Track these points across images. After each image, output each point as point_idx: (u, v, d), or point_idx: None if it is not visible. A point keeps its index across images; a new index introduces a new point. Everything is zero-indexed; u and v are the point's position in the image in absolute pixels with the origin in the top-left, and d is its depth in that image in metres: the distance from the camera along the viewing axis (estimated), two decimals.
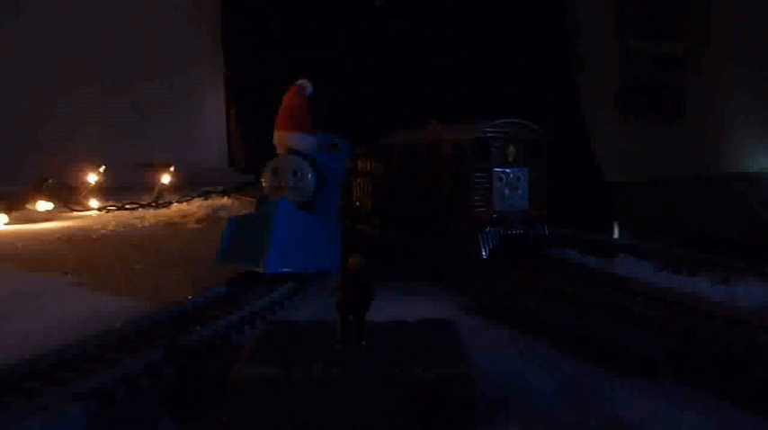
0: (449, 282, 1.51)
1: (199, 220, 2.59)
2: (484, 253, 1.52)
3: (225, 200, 3.12)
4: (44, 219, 2.71)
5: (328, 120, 1.65)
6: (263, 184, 1.53)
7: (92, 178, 3.16)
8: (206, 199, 3.14)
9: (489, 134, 1.56)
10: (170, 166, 3.36)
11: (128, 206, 2.95)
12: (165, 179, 3.30)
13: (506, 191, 1.57)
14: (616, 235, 2.02)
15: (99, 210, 2.92)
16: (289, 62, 3.15)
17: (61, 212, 2.87)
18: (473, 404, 0.78)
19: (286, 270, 1.36)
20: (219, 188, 3.28)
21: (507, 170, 1.57)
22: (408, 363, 0.80)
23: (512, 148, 1.58)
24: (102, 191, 3.12)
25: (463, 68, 3.10)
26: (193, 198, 3.12)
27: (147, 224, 2.53)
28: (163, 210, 2.91)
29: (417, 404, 0.77)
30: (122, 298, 1.43)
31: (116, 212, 2.89)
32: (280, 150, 1.56)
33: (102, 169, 3.20)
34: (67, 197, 3.00)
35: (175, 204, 3.03)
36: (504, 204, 1.56)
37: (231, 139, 3.89)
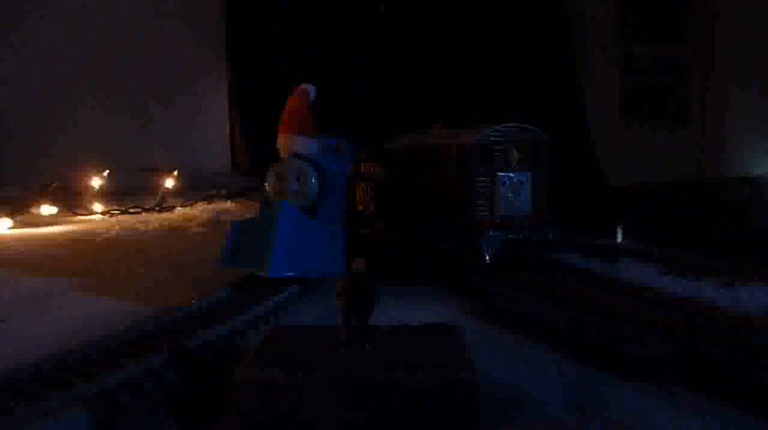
0: (452, 286, 1.51)
1: (202, 224, 2.60)
2: (487, 257, 1.52)
3: (228, 204, 3.12)
4: (48, 223, 2.72)
5: (331, 123, 1.65)
6: (267, 188, 1.54)
7: (95, 182, 3.16)
8: (209, 203, 3.14)
9: (493, 138, 1.56)
10: (173, 170, 3.36)
11: (131, 210, 2.95)
12: (169, 183, 3.30)
13: (510, 195, 1.56)
14: (619, 238, 2.01)
15: (102, 214, 2.93)
16: (292, 66, 3.16)
17: (65, 216, 2.88)
18: (476, 409, 0.78)
19: (289, 274, 1.36)
20: (223, 192, 3.29)
21: (511, 174, 1.57)
22: (411, 368, 0.80)
23: (515, 152, 1.58)
24: (105, 195, 3.12)
25: (466, 73, 3.10)
26: (197, 202, 3.13)
27: (150, 228, 2.53)
28: (166, 214, 2.92)
29: (420, 409, 0.77)
30: (126, 301, 1.43)
31: (120, 216, 2.89)
32: (283, 153, 1.56)
33: (105, 173, 3.21)
34: (71, 201, 3.00)
35: (179, 208, 3.04)
36: (507, 208, 1.56)
37: (234, 143, 3.90)
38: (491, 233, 1.53)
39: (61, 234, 2.44)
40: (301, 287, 1.38)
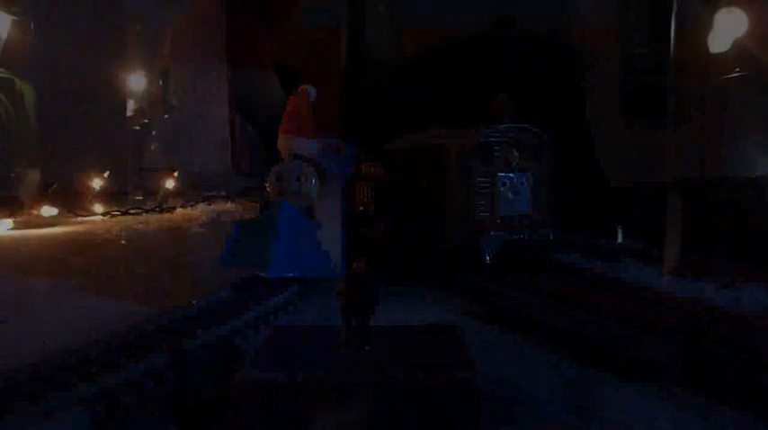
0: (452, 286, 1.50)
1: (202, 225, 2.60)
2: (487, 257, 1.52)
3: (228, 205, 3.12)
4: (48, 224, 2.72)
5: (332, 124, 1.66)
6: (267, 189, 1.54)
7: (96, 183, 3.16)
8: (209, 204, 3.14)
9: (493, 138, 1.56)
10: (173, 171, 3.36)
11: (132, 211, 2.95)
12: (169, 184, 3.30)
13: (510, 195, 1.57)
14: (619, 238, 2.02)
15: (103, 215, 2.93)
16: (292, 66, 3.16)
17: (65, 217, 2.88)
18: (476, 409, 0.78)
19: (289, 274, 1.36)
20: (223, 193, 3.28)
21: (511, 174, 1.57)
22: (411, 368, 0.80)
23: (515, 152, 1.58)
24: (106, 195, 3.12)
25: (466, 73, 3.10)
26: (197, 202, 3.13)
27: (150, 229, 2.53)
28: (167, 215, 2.92)
29: (420, 409, 0.77)
30: (126, 301, 1.43)
31: (120, 217, 2.89)
32: (283, 153, 1.56)
33: (106, 174, 3.21)
34: (72, 202, 3.00)
35: (179, 209, 3.03)
36: (507, 208, 1.56)
37: (234, 144, 3.90)
38: (491, 233, 1.53)
39: (62, 234, 2.44)
40: (301, 287, 1.39)
